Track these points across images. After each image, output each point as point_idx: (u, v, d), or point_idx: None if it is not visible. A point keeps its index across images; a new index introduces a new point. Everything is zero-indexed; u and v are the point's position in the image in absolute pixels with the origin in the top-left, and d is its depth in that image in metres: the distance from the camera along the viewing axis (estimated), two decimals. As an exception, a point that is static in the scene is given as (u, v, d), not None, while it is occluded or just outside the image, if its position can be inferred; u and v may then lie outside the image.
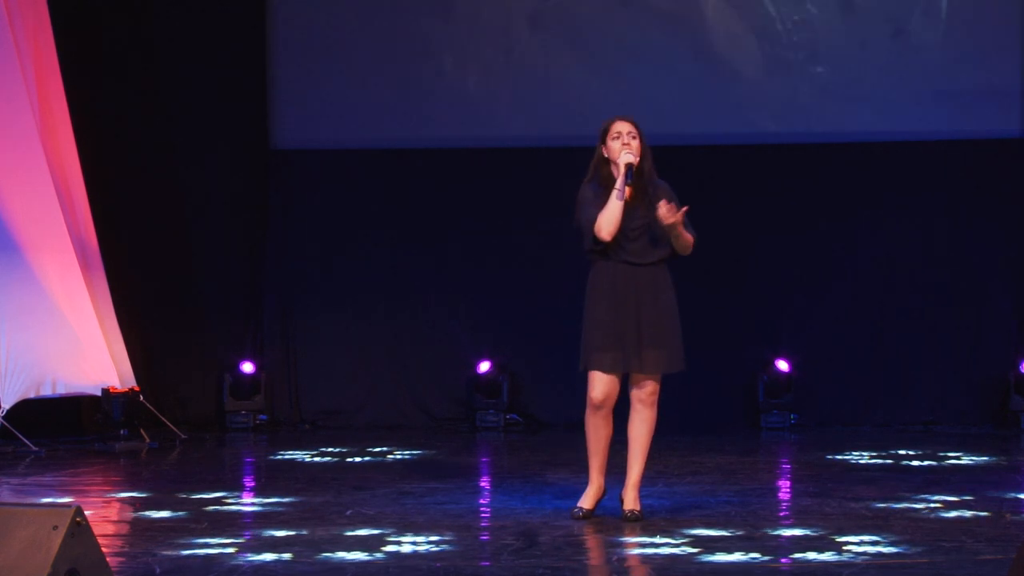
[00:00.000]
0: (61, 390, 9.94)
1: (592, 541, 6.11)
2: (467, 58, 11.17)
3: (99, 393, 10.07)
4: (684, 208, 6.48)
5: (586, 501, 6.63)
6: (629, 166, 6.46)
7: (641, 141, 6.56)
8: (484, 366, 10.88)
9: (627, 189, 6.45)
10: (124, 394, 10.07)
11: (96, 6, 11.01)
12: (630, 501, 6.61)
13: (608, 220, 6.45)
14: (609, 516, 6.71)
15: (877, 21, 10.96)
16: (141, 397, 10.23)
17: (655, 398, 6.60)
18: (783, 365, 10.75)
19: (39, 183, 9.89)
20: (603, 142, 6.59)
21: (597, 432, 6.56)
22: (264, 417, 11.08)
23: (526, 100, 11.02)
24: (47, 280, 9.89)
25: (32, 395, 9.79)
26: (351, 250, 11.21)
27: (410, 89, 11.17)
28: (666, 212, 6.40)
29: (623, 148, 6.49)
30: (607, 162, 6.57)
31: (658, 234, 6.54)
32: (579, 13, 11.09)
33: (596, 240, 6.48)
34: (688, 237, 6.62)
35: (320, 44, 11.23)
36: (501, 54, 11.16)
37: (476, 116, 11.17)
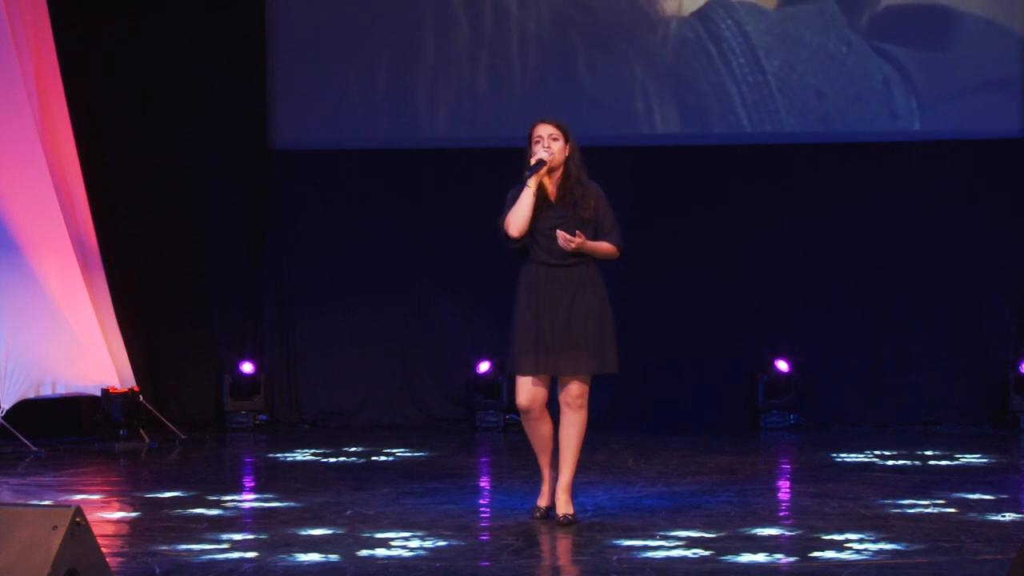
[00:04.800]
0: (61, 390, 9.94)
1: (592, 541, 6.11)
2: (467, 58, 11.17)
3: (99, 393, 10.07)
4: (580, 238, 6.35)
5: (543, 499, 6.63)
6: (539, 161, 6.41)
7: (568, 142, 6.49)
8: (484, 366, 10.88)
9: (535, 184, 6.38)
10: (124, 394, 10.08)
11: (96, 6, 11.02)
12: (562, 505, 6.55)
13: (516, 217, 6.42)
14: (608, 517, 6.72)
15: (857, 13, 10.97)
16: (141, 397, 10.24)
17: (582, 400, 6.52)
18: (783, 365, 10.75)
19: (39, 183, 9.90)
20: (529, 145, 6.54)
21: (536, 434, 6.57)
22: (264, 417, 11.08)
23: (526, 99, 11.01)
24: (47, 280, 9.89)
25: (32, 395, 9.79)
26: (350, 250, 11.22)
27: (409, 89, 11.18)
28: (564, 242, 6.34)
29: (541, 150, 6.46)
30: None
31: (578, 231, 6.42)
32: (581, 14, 11.08)
33: (508, 237, 6.46)
34: (604, 249, 6.48)
35: (320, 45, 11.24)
36: (502, 54, 11.16)
37: (476, 116, 11.18)
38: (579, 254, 6.45)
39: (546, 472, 6.64)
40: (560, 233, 6.35)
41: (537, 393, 6.48)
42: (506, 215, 6.47)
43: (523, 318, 6.48)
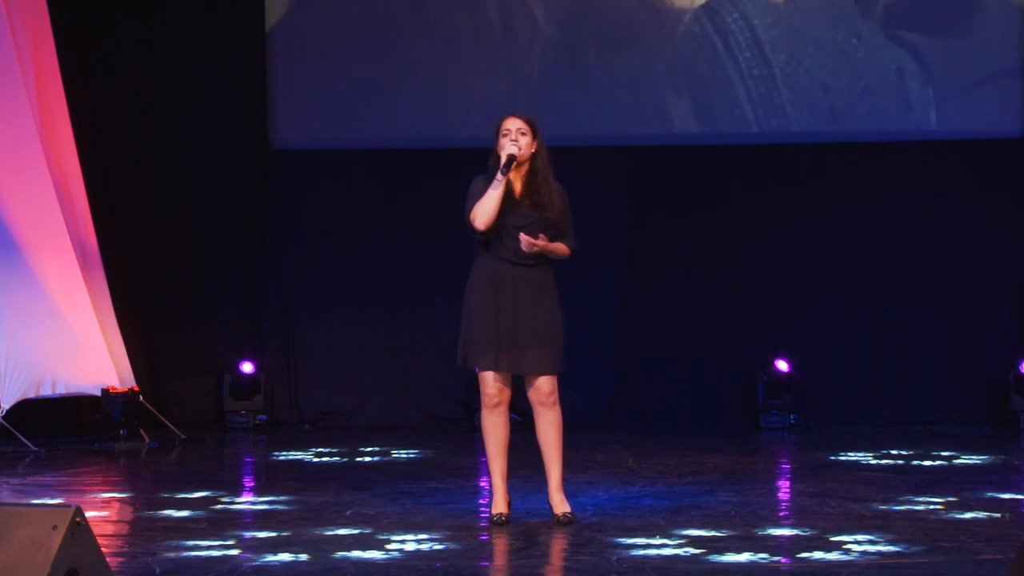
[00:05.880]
0: (61, 390, 9.94)
1: (592, 541, 6.11)
2: (467, 57, 11.17)
3: (99, 393, 10.07)
4: (541, 239, 6.34)
5: (503, 506, 6.55)
6: (510, 156, 6.38)
7: (535, 139, 6.47)
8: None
9: (504, 179, 6.35)
10: (124, 394, 10.08)
11: (96, 6, 11.01)
12: (559, 505, 6.55)
13: (484, 210, 6.37)
14: (608, 517, 6.71)
15: (879, 21, 10.96)
16: (141, 397, 10.24)
17: (554, 397, 6.49)
18: (783, 365, 10.75)
19: (39, 183, 9.90)
20: (496, 140, 6.51)
21: (496, 431, 6.51)
22: (264, 417, 11.08)
23: (527, 98, 11.00)
24: (47, 280, 9.90)
25: (32, 395, 9.79)
26: (351, 250, 11.22)
27: (410, 89, 11.18)
28: (527, 246, 6.33)
29: (509, 144, 6.44)
30: (498, 159, 6.49)
31: (541, 234, 6.41)
32: (587, 10, 11.07)
33: (473, 229, 6.41)
34: (560, 250, 6.47)
35: (319, 45, 11.24)
36: (503, 52, 11.15)
37: (476, 115, 11.17)
38: (540, 255, 6.45)
39: (500, 483, 6.56)
40: (523, 237, 6.32)
41: (503, 386, 6.48)
42: (472, 206, 6.41)
43: (483, 313, 6.44)
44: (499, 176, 6.37)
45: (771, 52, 10.91)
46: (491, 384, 6.47)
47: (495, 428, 6.53)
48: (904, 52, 10.88)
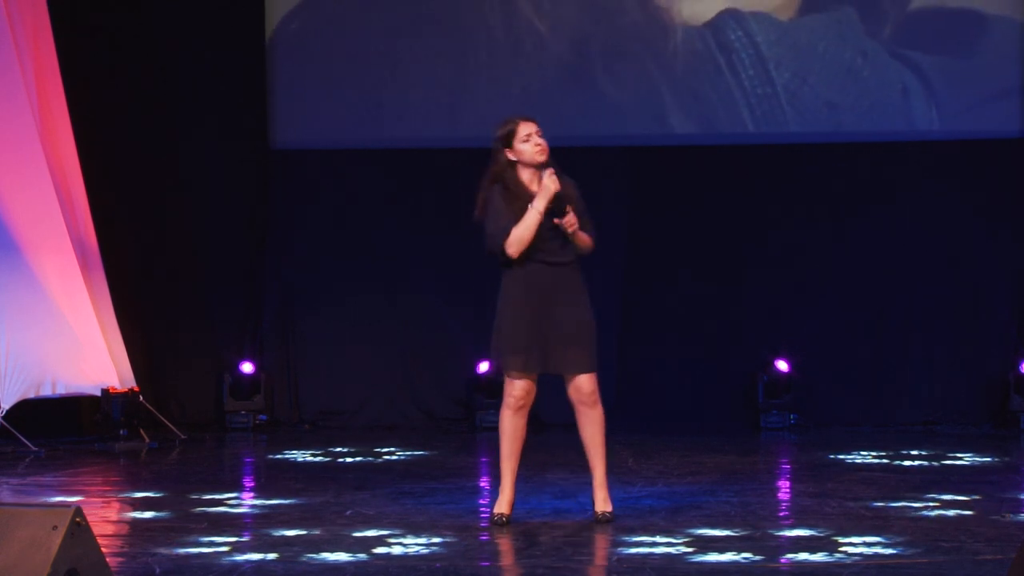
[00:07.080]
0: (61, 390, 9.95)
1: (592, 541, 6.11)
2: (468, 57, 11.17)
3: (99, 393, 10.08)
4: (572, 215, 6.42)
5: (506, 507, 6.54)
6: (558, 195, 6.38)
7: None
8: (484, 366, 10.87)
9: (543, 206, 6.38)
10: (124, 394, 10.08)
11: (96, 6, 11.02)
12: (602, 502, 6.57)
13: (521, 239, 6.39)
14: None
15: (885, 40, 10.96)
16: (141, 397, 10.24)
17: (596, 395, 6.52)
18: (783, 365, 10.75)
19: (39, 183, 9.90)
20: (508, 145, 6.51)
21: (516, 434, 6.52)
22: (264, 417, 11.08)
23: (526, 100, 11.00)
24: (47, 280, 9.90)
25: (32, 395, 9.80)
26: (351, 250, 11.22)
27: (411, 89, 11.18)
28: (570, 222, 6.40)
29: (536, 148, 6.45)
30: (513, 165, 6.50)
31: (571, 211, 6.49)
32: (589, 20, 11.06)
33: (503, 253, 6.43)
34: (585, 238, 6.55)
35: (320, 44, 11.24)
36: (504, 53, 11.15)
37: (477, 115, 11.17)
38: (571, 252, 6.49)
39: (509, 482, 6.55)
40: (570, 214, 6.37)
41: (532, 388, 6.52)
42: (497, 226, 6.40)
43: (520, 316, 6.48)
44: (539, 206, 6.36)
45: (775, 70, 10.89)
46: (519, 386, 6.50)
47: (516, 431, 6.54)
48: (909, 71, 10.86)
